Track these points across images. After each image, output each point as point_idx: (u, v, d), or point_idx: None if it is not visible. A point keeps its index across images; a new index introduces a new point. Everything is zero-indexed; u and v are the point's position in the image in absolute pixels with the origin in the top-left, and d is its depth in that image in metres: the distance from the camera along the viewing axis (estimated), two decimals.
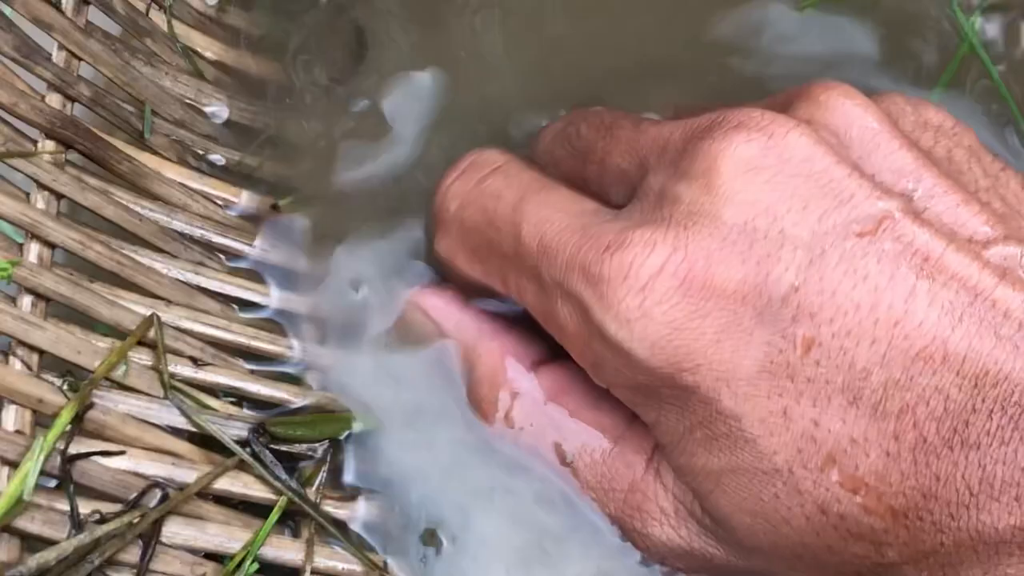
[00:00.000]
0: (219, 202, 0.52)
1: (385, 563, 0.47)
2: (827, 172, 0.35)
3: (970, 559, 0.34)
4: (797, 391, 0.35)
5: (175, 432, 0.45)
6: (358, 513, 0.47)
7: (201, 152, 0.52)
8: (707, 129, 0.37)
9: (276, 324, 0.51)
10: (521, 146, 0.51)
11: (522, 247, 0.41)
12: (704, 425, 0.37)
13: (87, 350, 0.44)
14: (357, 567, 0.46)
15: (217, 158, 0.53)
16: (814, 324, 0.34)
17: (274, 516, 0.45)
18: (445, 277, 0.49)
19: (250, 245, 0.51)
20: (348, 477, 0.48)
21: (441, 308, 0.48)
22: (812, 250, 0.34)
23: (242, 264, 0.51)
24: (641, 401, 0.39)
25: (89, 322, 0.46)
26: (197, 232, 0.50)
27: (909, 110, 0.41)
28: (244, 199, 0.52)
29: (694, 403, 0.36)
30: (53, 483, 0.42)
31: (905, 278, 0.34)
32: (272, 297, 0.51)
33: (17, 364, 0.42)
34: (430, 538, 0.47)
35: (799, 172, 0.35)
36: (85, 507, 0.42)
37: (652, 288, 0.36)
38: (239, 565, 0.43)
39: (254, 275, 0.51)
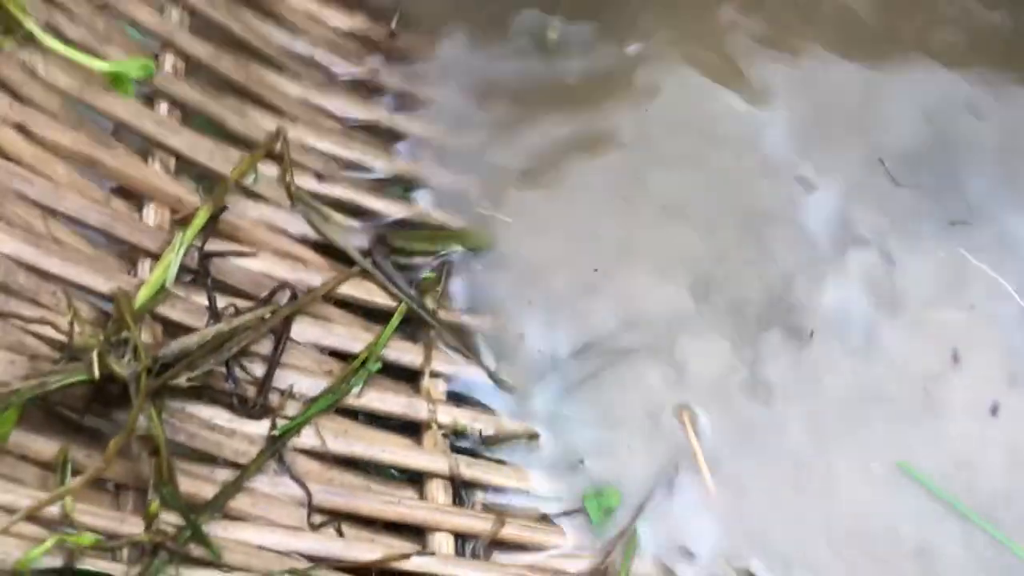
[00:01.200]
0: (337, 27, 0.53)
1: (497, 372, 0.48)
2: None
3: None
4: None
5: (301, 241, 0.48)
6: (473, 324, 0.49)
7: None
8: None
9: (394, 144, 0.52)
10: None
11: None
12: None
13: (220, 156, 0.46)
14: (474, 375, 0.48)
15: None
16: None
17: (396, 319, 0.47)
18: None
19: (370, 69, 0.53)
20: (463, 292, 0.50)
21: None
22: None
23: (361, 88, 0.53)
24: None
25: (218, 137, 0.47)
26: (319, 55, 0.52)
27: None
28: (360, 23, 0.53)
29: None
30: (190, 277, 0.44)
31: None
32: (390, 118, 0.53)
33: (156, 165, 0.44)
34: (541, 353, 0.49)
35: None
36: (221, 301, 0.44)
37: None
38: (363, 363, 0.45)
39: (373, 98, 0.53)
